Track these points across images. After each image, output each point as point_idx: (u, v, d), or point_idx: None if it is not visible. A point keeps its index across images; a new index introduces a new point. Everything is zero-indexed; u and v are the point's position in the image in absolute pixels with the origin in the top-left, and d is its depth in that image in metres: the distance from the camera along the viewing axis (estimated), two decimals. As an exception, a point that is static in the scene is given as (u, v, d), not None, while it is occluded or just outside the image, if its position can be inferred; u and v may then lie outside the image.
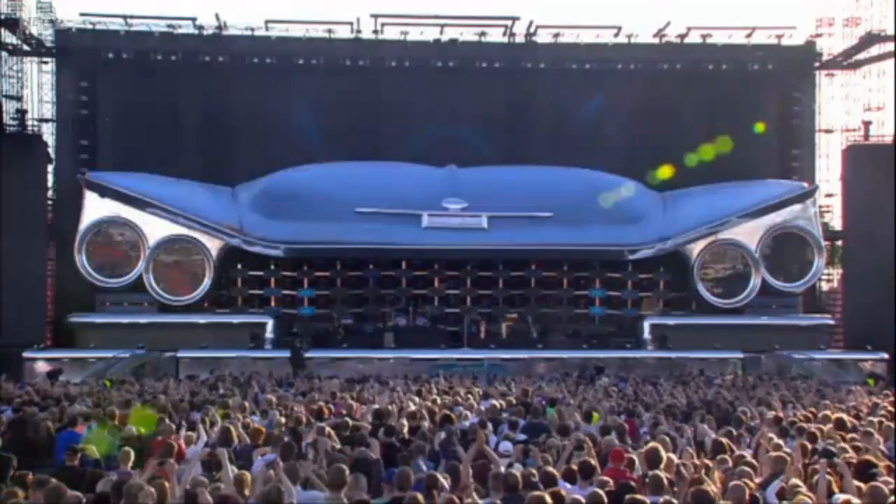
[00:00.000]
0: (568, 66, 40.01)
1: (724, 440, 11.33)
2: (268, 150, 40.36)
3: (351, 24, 39.29)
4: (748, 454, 10.53)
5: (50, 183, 37.52)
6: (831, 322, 37.07)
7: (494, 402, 16.49)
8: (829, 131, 41.06)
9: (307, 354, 31.64)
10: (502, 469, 9.32)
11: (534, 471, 9.40)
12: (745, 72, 39.98)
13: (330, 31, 39.28)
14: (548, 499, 7.72)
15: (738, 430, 12.76)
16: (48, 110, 38.88)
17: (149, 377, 26.54)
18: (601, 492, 8.15)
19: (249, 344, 33.65)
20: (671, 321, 35.86)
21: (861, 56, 39.54)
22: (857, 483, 8.45)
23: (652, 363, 32.68)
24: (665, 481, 8.77)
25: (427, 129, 40.99)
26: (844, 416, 13.84)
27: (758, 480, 9.32)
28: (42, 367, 30.63)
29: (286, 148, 40.61)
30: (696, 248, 36.17)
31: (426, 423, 13.40)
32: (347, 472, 8.81)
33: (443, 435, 12.12)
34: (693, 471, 9.23)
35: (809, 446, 10.99)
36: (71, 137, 38.58)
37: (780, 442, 11.32)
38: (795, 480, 9.01)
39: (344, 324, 35.85)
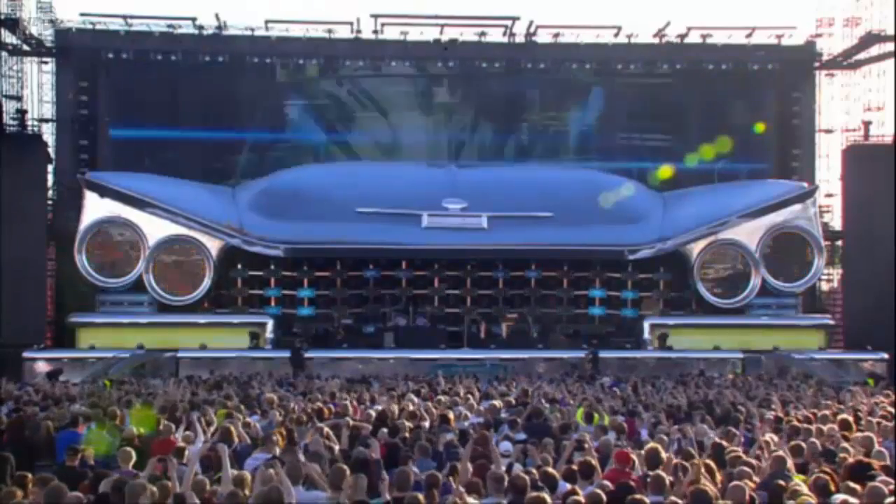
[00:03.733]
0: (568, 66, 40.04)
1: (724, 441, 11.34)
2: (268, 150, 40.46)
3: (351, 24, 39.33)
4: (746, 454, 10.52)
5: (50, 183, 37.50)
6: (831, 322, 37.07)
7: (494, 402, 16.49)
8: (829, 131, 41.04)
9: (307, 354, 31.64)
10: (503, 469, 9.31)
11: (533, 470, 9.40)
12: (745, 72, 39.98)
13: (330, 31, 39.26)
14: (548, 499, 7.72)
15: (738, 430, 12.76)
16: (48, 110, 38.88)
17: (149, 377, 26.53)
18: (601, 492, 8.15)
19: (249, 344, 33.63)
20: (671, 321, 35.82)
21: (861, 56, 39.53)
22: (853, 484, 8.44)
23: (652, 363, 32.66)
24: (667, 481, 8.77)
25: (427, 129, 41.09)
26: (848, 416, 13.82)
27: (757, 480, 9.33)
28: (42, 367, 30.57)
29: (286, 148, 40.72)
30: (696, 248, 36.13)
31: (426, 424, 13.41)
32: (348, 471, 8.81)
33: (448, 437, 12.11)
34: (693, 471, 9.21)
35: (808, 446, 11.00)
36: (71, 137, 38.59)
37: (780, 442, 11.33)
38: (796, 480, 9.01)
39: (344, 324, 35.85)
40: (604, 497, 7.98)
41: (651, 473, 9.08)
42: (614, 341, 35.20)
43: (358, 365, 31.11)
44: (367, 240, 34.91)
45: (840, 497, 8.01)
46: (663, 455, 9.80)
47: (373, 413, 14.73)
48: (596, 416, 14.53)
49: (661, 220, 36.27)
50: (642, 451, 10.14)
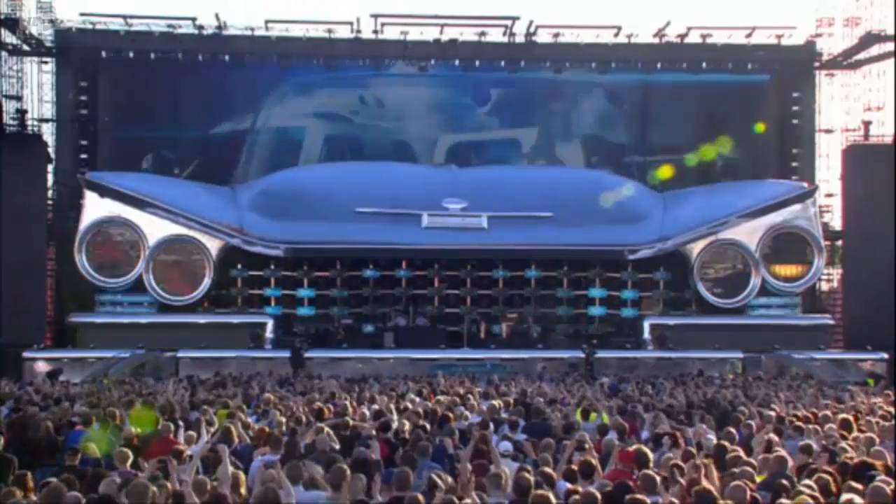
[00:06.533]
0: (568, 66, 40.04)
1: (724, 441, 11.34)
2: (268, 150, 40.46)
3: (351, 24, 39.35)
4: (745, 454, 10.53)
5: (50, 183, 37.50)
6: (831, 322, 37.06)
7: (494, 402, 16.48)
8: (829, 131, 41.05)
9: (307, 354, 31.64)
10: (504, 469, 9.29)
11: (529, 468, 9.40)
12: (745, 72, 39.97)
13: (330, 31, 39.27)
14: (552, 498, 7.73)
15: (738, 430, 12.77)
16: (48, 110, 38.86)
17: (149, 377, 26.53)
18: (596, 491, 8.14)
19: (249, 344, 33.63)
20: (671, 321, 35.81)
21: (861, 56, 39.54)
22: (855, 484, 8.44)
23: (652, 363, 32.65)
24: (657, 481, 8.77)
25: (427, 129, 41.10)
26: (849, 416, 13.82)
27: (758, 480, 9.33)
28: (42, 367, 30.57)
29: (286, 148, 40.72)
30: (696, 248, 36.14)
31: (426, 424, 13.39)
32: (348, 471, 8.81)
33: (448, 438, 12.11)
34: (692, 471, 9.22)
35: (814, 446, 11.00)
36: (71, 137, 38.60)
37: (780, 442, 11.33)
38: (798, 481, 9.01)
39: (344, 324, 35.85)
40: (599, 496, 7.97)
41: (641, 473, 9.08)
42: (614, 341, 35.21)
43: (358, 365, 31.11)
44: (366, 240, 34.92)
45: (845, 497, 8.00)
46: (650, 455, 9.83)
47: (367, 412, 14.73)
48: (593, 414, 14.53)
49: (662, 220, 36.28)
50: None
